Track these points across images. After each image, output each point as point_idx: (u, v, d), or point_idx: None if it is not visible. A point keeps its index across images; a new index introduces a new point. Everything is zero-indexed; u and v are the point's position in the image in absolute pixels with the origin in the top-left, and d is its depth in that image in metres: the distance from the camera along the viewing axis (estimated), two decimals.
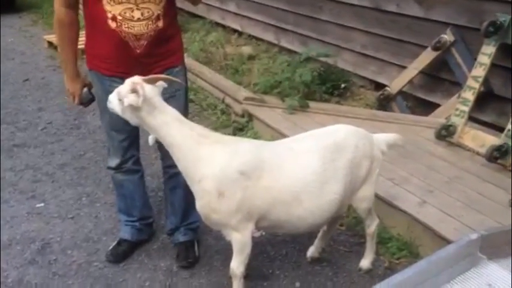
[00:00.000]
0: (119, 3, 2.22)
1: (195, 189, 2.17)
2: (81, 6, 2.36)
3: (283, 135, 3.56)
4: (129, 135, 2.56)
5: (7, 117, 4.61)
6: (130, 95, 2.06)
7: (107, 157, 2.72)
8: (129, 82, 2.09)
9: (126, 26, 2.24)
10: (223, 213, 2.11)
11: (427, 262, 1.50)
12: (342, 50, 5.02)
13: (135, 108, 2.07)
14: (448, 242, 2.37)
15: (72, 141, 4.14)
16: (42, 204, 3.25)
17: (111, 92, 2.34)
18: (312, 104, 4.26)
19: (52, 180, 3.55)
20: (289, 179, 2.14)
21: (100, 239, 2.91)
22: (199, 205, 2.17)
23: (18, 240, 2.89)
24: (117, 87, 2.32)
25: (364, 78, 4.85)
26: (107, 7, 2.22)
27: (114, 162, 2.63)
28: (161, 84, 2.17)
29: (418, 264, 1.49)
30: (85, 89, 2.54)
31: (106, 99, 2.37)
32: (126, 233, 2.79)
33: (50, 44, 6.73)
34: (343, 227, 2.95)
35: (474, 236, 1.58)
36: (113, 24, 2.25)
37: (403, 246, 2.72)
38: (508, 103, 3.50)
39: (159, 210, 3.01)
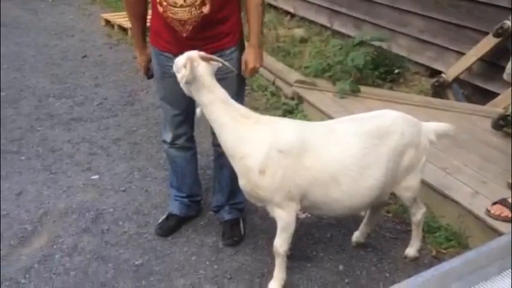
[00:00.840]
0: None
1: (236, 167, 2.21)
2: None
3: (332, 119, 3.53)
4: (182, 111, 2.62)
5: (66, 92, 4.80)
6: (182, 69, 2.13)
7: (162, 131, 2.80)
8: (185, 56, 2.15)
9: (170, 12, 2.30)
10: (265, 190, 2.15)
11: (477, 253, 1.46)
12: (396, 35, 4.89)
13: (198, 80, 2.15)
14: (500, 234, 2.31)
15: (126, 117, 4.27)
16: (96, 177, 3.39)
17: (165, 66, 2.47)
18: (363, 88, 4.20)
19: (107, 153, 3.69)
20: (328, 160, 2.14)
21: (150, 212, 3.01)
22: (241, 183, 2.22)
23: (74, 210, 3.03)
24: (171, 62, 2.41)
25: (419, 64, 4.72)
26: None
27: (168, 136, 2.71)
28: (216, 64, 2.20)
29: (467, 254, 1.46)
30: (151, 63, 2.66)
31: (161, 72, 2.53)
32: (175, 208, 2.87)
33: (107, 22, 6.91)
34: (390, 214, 2.92)
35: None
36: (160, 9, 2.33)
37: (451, 236, 2.67)
38: None
39: (207, 188, 3.07)
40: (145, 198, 3.15)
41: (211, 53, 2.37)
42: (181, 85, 2.20)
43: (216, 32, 2.41)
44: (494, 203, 2.51)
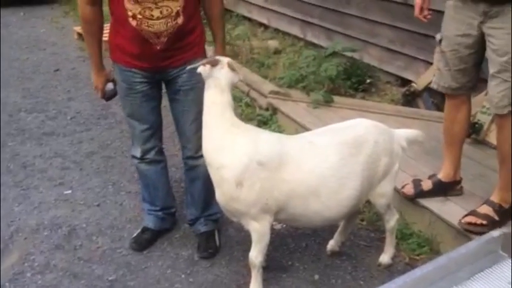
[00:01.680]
0: (138, 2, 2.26)
1: (213, 177, 2.21)
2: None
3: (307, 130, 3.55)
4: (150, 126, 2.61)
5: (38, 106, 4.74)
6: (228, 71, 2.18)
7: (131, 147, 2.78)
8: (227, 60, 2.22)
9: (145, 24, 2.29)
10: (241, 202, 2.15)
11: (447, 258, 1.50)
12: (367, 45, 4.98)
13: (214, 79, 2.18)
14: (470, 239, 2.36)
15: (99, 131, 4.23)
16: (69, 191, 3.34)
17: (131, 82, 2.47)
18: (336, 98, 4.25)
19: (80, 168, 3.65)
20: (307, 172, 2.16)
21: (124, 226, 2.98)
22: (217, 194, 2.22)
23: (46, 226, 2.98)
24: (137, 78, 2.45)
25: (390, 73, 4.81)
26: (128, 5, 2.28)
27: (137, 151, 2.69)
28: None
29: (438, 259, 1.49)
30: (109, 84, 2.63)
31: (127, 89, 2.51)
32: (149, 222, 2.85)
33: (80, 35, 6.84)
34: (364, 222, 2.96)
35: (496, 233, 1.57)
36: (133, 23, 2.31)
37: (424, 242, 2.71)
38: None
39: (182, 200, 3.06)
40: (119, 212, 3.12)
41: (183, 64, 2.42)
42: (205, 76, 2.20)
43: (186, 42, 2.44)
44: (466, 215, 2.54)
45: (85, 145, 3.99)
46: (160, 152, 2.76)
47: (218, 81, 2.18)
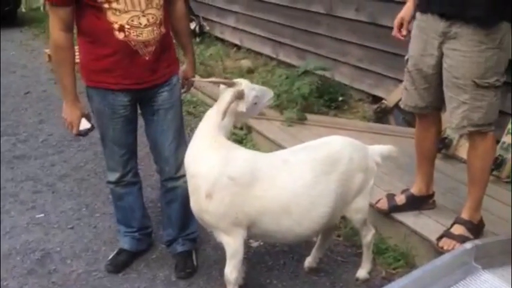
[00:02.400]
0: (126, 12, 2.22)
1: (189, 183, 2.26)
2: None
3: (281, 147, 3.60)
4: (129, 149, 2.60)
5: (8, 129, 4.65)
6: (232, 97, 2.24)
7: (107, 172, 2.73)
8: (240, 89, 2.27)
9: (134, 34, 2.26)
10: (210, 214, 2.18)
11: (422, 271, 1.53)
12: (338, 64, 5.08)
13: (220, 98, 2.29)
14: (444, 252, 2.40)
15: (72, 153, 4.18)
16: (42, 215, 3.28)
17: (115, 106, 2.42)
18: (309, 116, 4.31)
19: (52, 191, 3.59)
20: (279, 190, 2.18)
21: (99, 249, 2.93)
22: (191, 201, 2.26)
23: (18, 250, 2.91)
24: (121, 101, 2.42)
25: (361, 91, 4.91)
26: (112, 18, 2.21)
27: (114, 176, 2.65)
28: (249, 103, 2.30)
29: (414, 273, 1.52)
30: (83, 120, 2.45)
31: (111, 113, 2.44)
32: (125, 244, 2.81)
33: (51, 57, 6.77)
34: (340, 238, 2.98)
35: (469, 245, 1.62)
36: (120, 35, 2.25)
37: (399, 256, 2.75)
38: (503, 116, 3.55)
39: (159, 221, 3.03)
40: (93, 235, 3.07)
41: (169, 78, 2.48)
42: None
43: (169, 56, 2.47)
44: (440, 238, 2.56)
45: (57, 168, 3.93)
46: (136, 173, 2.74)
47: (221, 101, 2.25)
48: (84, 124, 2.45)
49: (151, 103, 2.50)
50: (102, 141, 2.58)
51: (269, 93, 2.43)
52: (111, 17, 2.22)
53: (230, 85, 2.25)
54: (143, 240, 2.86)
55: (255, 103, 2.33)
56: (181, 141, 2.59)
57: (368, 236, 2.53)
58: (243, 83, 2.30)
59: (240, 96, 2.23)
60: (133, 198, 2.75)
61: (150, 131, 2.59)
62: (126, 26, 2.24)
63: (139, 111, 2.60)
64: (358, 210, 2.41)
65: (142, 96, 2.47)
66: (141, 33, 2.27)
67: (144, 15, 2.26)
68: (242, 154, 2.25)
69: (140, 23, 2.26)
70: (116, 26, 2.23)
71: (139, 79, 2.37)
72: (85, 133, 2.49)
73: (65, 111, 2.44)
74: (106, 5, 2.19)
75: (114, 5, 2.20)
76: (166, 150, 2.57)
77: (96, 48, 2.32)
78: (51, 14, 2.28)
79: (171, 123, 2.53)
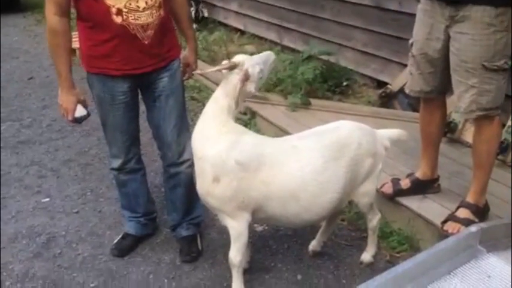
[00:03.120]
0: None
1: (196, 165, 2.25)
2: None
3: (285, 132, 3.59)
4: (131, 135, 2.58)
5: (12, 115, 4.66)
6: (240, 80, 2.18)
7: (109, 159, 2.72)
8: (246, 67, 2.19)
9: (132, 17, 2.22)
10: (216, 198, 2.17)
11: (427, 254, 1.52)
12: (343, 48, 5.04)
13: (225, 81, 2.21)
14: (449, 235, 2.40)
15: (76, 138, 4.18)
16: (47, 199, 3.29)
17: (115, 92, 2.39)
18: (314, 101, 4.29)
19: (57, 176, 3.60)
20: (288, 176, 2.17)
21: (104, 233, 2.95)
22: (197, 183, 2.25)
23: (24, 235, 2.93)
24: (120, 87, 2.39)
25: (365, 76, 4.88)
26: (110, 2, 2.18)
27: (117, 163, 2.63)
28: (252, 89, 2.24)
29: (418, 256, 1.52)
30: (79, 107, 2.40)
31: (110, 100, 2.42)
32: (130, 228, 2.82)
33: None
34: (345, 222, 2.98)
35: (474, 228, 1.61)
36: (118, 19, 2.21)
37: (404, 240, 2.75)
38: (509, 100, 3.52)
39: (163, 205, 3.04)
40: (98, 219, 3.08)
41: (170, 62, 2.45)
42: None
43: (169, 39, 2.44)
44: (445, 221, 2.57)
45: (62, 153, 3.94)
46: (139, 159, 2.73)
47: (228, 84, 2.19)
48: (80, 111, 2.40)
49: (152, 89, 2.48)
50: (104, 128, 2.56)
51: (270, 57, 2.34)
52: (108, 0, 2.18)
53: (232, 68, 2.20)
54: (148, 224, 2.87)
55: (261, 76, 2.28)
56: (184, 126, 2.57)
57: (374, 220, 2.53)
58: (245, 61, 2.20)
59: (246, 77, 2.19)
60: (137, 184, 2.75)
61: (152, 117, 2.57)
62: (124, 10, 2.20)
63: (140, 97, 2.59)
64: (365, 194, 2.40)
65: (142, 81, 2.45)
66: (140, 17, 2.24)
67: None
68: (251, 139, 2.23)
69: (138, 6, 2.22)
70: (114, 9, 2.20)
71: (139, 64, 2.34)
72: (80, 120, 2.43)
73: (60, 98, 2.39)
74: None
75: None
76: (168, 136, 2.56)
77: (95, 34, 2.29)
78: None
79: (173, 109, 2.51)
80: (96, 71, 2.38)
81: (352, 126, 2.35)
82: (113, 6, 2.19)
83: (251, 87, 2.21)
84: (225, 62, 2.25)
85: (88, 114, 2.44)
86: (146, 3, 2.24)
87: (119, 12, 2.20)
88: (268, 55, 2.33)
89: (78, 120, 2.43)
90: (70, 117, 2.41)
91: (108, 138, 2.58)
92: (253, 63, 2.21)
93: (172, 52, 2.48)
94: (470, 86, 2.42)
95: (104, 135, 2.62)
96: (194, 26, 6.61)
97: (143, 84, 2.48)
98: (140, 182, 2.76)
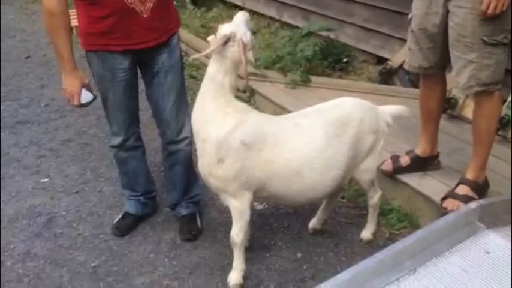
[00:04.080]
0: None
1: (198, 146, 2.22)
2: None
3: (285, 110, 3.57)
4: (131, 113, 2.57)
5: (10, 94, 4.62)
6: (238, 52, 2.06)
7: (109, 136, 2.71)
8: (241, 36, 2.07)
9: None
10: (219, 179, 2.16)
11: (427, 231, 1.53)
12: (343, 24, 4.98)
13: (220, 56, 2.09)
14: (448, 212, 2.40)
15: (75, 118, 4.16)
16: (47, 180, 3.29)
17: (116, 69, 2.36)
18: (313, 78, 4.26)
19: (56, 156, 3.59)
20: (291, 154, 2.16)
21: (104, 212, 2.95)
22: (199, 164, 2.23)
23: (24, 215, 2.93)
24: (121, 64, 2.36)
25: (366, 52, 4.82)
26: None
27: (116, 140, 2.62)
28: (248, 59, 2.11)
29: (418, 233, 1.52)
30: (84, 91, 2.38)
31: (111, 76, 2.38)
32: (130, 207, 2.83)
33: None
34: (344, 200, 2.99)
35: (473, 205, 1.61)
36: None
37: (403, 217, 2.76)
38: (510, 75, 3.49)
39: (163, 184, 3.04)
40: (98, 198, 3.08)
41: (170, 36, 2.41)
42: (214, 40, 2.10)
43: (169, 12, 2.40)
44: (444, 198, 2.56)
45: (60, 132, 3.92)
46: (139, 137, 2.72)
47: (224, 60, 2.09)
48: (86, 95, 2.37)
49: (152, 65, 2.46)
50: (104, 105, 2.54)
51: (246, 16, 2.17)
52: None
53: (226, 42, 2.07)
54: (148, 204, 2.87)
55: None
56: (183, 104, 2.56)
57: (375, 197, 2.53)
58: (235, 32, 2.07)
59: (244, 48, 2.09)
60: (137, 162, 2.74)
61: (151, 94, 2.56)
62: None
63: (139, 75, 2.56)
64: (366, 171, 2.40)
65: (143, 58, 2.43)
66: None
67: None
68: (255, 118, 2.20)
69: None
70: None
71: (141, 39, 2.31)
72: (87, 105, 2.42)
73: (64, 82, 2.34)
74: None
75: None
76: (167, 114, 2.54)
77: (93, 10, 2.25)
78: None
79: (172, 86, 2.49)
80: (96, 48, 2.33)
81: (354, 102, 2.34)
82: None
83: (250, 56, 2.14)
84: (211, 37, 2.15)
85: (94, 98, 2.43)
86: None
87: None
88: (243, 16, 2.17)
89: (84, 105, 2.41)
90: (76, 102, 2.37)
91: (109, 116, 2.56)
92: (244, 30, 2.09)
93: (172, 25, 2.45)
94: (470, 61, 2.39)
95: (105, 113, 2.60)
96: (191, 7, 6.52)
97: (143, 60, 2.45)
98: (140, 159, 2.75)
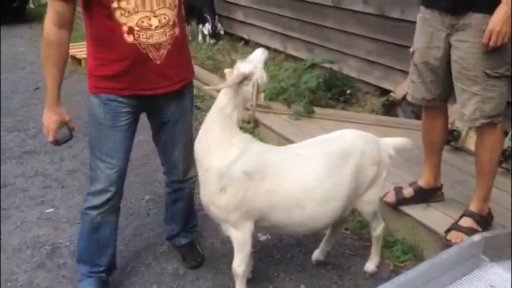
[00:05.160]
0: (135, 12, 2.06)
1: (200, 175, 2.23)
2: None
3: (289, 141, 3.60)
4: (123, 165, 2.34)
5: (18, 125, 4.69)
6: (251, 92, 2.13)
7: (87, 197, 2.38)
8: (256, 78, 2.13)
9: (144, 36, 2.10)
10: (221, 208, 2.18)
11: (431, 264, 1.52)
12: (346, 56, 5.06)
13: (233, 92, 2.12)
14: (452, 245, 2.39)
15: (81, 148, 4.18)
16: (51, 210, 3.31)
17: (118, 114, 2.23)
18: (317, 109, 4.30)
19: (61, 186, 3.62)
20: (292, 184, 2.18)
21: None
22: (202, 193, 2.25)
23: (28, 245, 2.94)
24: (124, 108, 2.23)
25: (368, 84, 4.89)
26: (122, 20, 2.06)
27: (98, 199, 2.33)
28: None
29: (422, 265, 1.51)
30: (62, 129, 2.23)
31: (110, 123, 2.23)
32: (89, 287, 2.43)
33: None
34: (348, 231, 2.98)
35: (477, 238, 1.60)
36: (129, 38, 2.09)
37: (407, 249, 2.74)
38: (510, 107, 3.51)
39: (161, 213, 3.04)
40: None
41: (182, 85, 2.31)
42: (231, 76, 2.12)
43: (182, 60, 2.31)
44: (448, 230, 2.56)
45: (66, 163, 3.96)
46: (121, 198, 2.44)
47: (236, 96, 2.14)
48: (63, 132, 2.23)
49: (160, 114, 2.37)
50: (92, 154, 2.33)
51: (265, 54, 2.25)
52: (120, 18, 2.06)
53: (239, 81, 2.10)
54: (107, 283, 2.49)
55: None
56: (190, 147, 2.36)
57: (378, 229, 2.52)
58: (253, 72, 2.12)
59: (258, 90, 2.16)
60: (111, 229, 2.44)
61: (159, 138, 2.49)
62: (136, 28, 2.08)
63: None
64: (369, 202, 2.40)
65: (150, 104, 2.32)
66: (152, 36, 2.11)
67: (155, 16, 2.10)
68: (257, 148, 2.23)
69: (151, 25, 2.09)
70: (125, 28, 2.07)
71: (150, 85, 2.20)
72: (61, 142, 2.26)
73: (43, 116, 2.23)
74: (115, 4, 2.04)
75: (124, 4, 2.04)
76: (176, 157, 2.48)
77: (103, 52, 2.16)
78: (49, 6, 2.11)
79: (181, 132, 2.44)
80: (101, 92, 2.21)
81: (356, 134, 2.36)
82: (125, 24, 2.07)
83: (261, 97, 2.20)
84: (228, 71, 2.21)
85: (70, 137, 2.28)
86: (159, 21, 2.11)
87: (131, 31, 2.08)
88: (263, 54, 2.24)
89: (58, 142, 2.26)
90: (51, 138, 2.24)
91: (97, 168, 2.30)
92: (260, 72, 2.17)
93: (186, 75, 2.36)
94: (474, 94, 2.42)
95: (90, 165, 2.36)
96: (211, 41, 6.66)
97: (150, 107, 2.34)
98: (115, 226, 2.48)
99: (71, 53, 6.53)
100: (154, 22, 2.11)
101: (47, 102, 2.19)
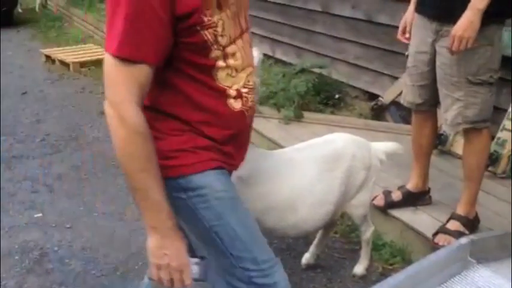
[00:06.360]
0: (242, 69, 1.48)
1: None
2: None
3: (278, 145, 3.61)
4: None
5: (5, 129, 4.65)
6: None
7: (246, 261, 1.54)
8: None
9: (251, 99, 1.52)
10: None
11: (418, 266, 1.54)
12: (335, 61, 5.09)
13: None
14: (440, 248, 2.42)
15: (70, 152, 4.19)
16: (40, 215, 3.28)
17: (231, 185, 1.61)
18: (306, 114, 4.33)
19: (50, 190, 3.59)
20: (285, 188, 2.19)
21: (97, 248, 2.93)
22: None
23: (17, 250, 2.92)
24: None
25: (357, 88, 4.92)
26: (227, 82, 1.44)
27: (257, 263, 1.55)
28: None
29: (410, 268, 1.53)
30: (192, 260, 1.42)
31: (235, 196, 1.60)
32: None
33: (48, 57, 6.79)
34: (337, 234, 3.00)
35: (464, 240, 1.63)
36: (237, 104, 1.48)
37: (396, 252, 2.76)
38: (498, 112, 3.56)
39: None
40: (91, 234, 3.07)
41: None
42: None
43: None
44: (436, 233, 2.59)
45: (55, 167, 3.94)
46: None
47: None
48: (197, 270, 1.43)
49: None
50: (242, 237, 1.55)
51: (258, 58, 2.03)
52: (225, 81, 1.44)
53: None
54: None
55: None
56: None
57: (368, 232, 2.54)
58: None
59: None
60: None
61: None
62: (243, 90, 1.49)
63: None
64: (359, 205, 2.42)
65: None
66: (254, 98, 1.55)
67: (251, 72, 1.54)
68: (250, 153, 2.23)
69: (254, 83, 1.55)
70: (232, 92, 1.46)
71: (242, 155, 1.66)
72: (200, 277, 1.46)
73: (159, 248, 1.36)
74: (221, 62, 1.41)
75: (231, 61, 1.43)
76: None
77: (203, 128, 1.46)
78: (118, 75, 1.30)
79: None
80: (207, 165, 1.48)
81: (347, 138, 2.39)
82: (230, 87, 1.46)
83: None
84: None
85: (202, 259, 1.49)
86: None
87: (239, 95, 1.48)
88: (258, 56, 2.01)
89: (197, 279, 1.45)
90: (188, 281, 1.40)
91: (252, 247, 1.57)
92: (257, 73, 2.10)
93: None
94: (456, 99, 2.46)
95: (240, 249, 1.53)
96: None
97: None
98: None
99: (59, 57, 6.52)
100: (253, 78, 1.54)
101: (163, 226, 1.36)
